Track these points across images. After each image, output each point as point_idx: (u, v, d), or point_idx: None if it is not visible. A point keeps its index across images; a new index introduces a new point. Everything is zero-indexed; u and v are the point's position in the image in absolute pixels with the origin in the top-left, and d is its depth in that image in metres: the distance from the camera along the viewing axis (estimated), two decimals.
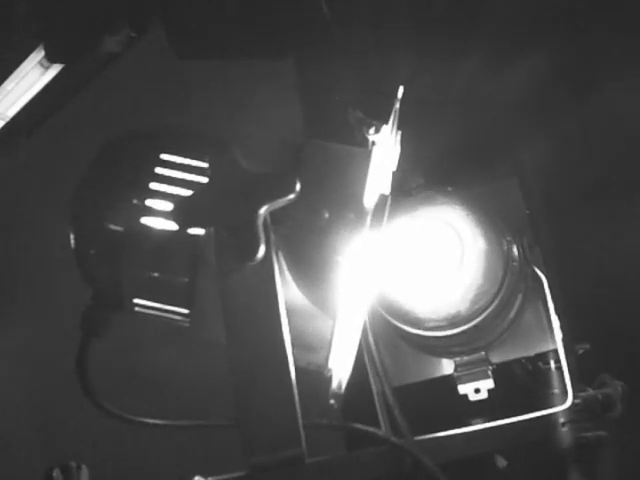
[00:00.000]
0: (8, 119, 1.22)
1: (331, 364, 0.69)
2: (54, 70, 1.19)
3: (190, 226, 0.67)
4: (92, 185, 0.73)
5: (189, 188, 0.69)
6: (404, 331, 0.85)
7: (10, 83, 1.20)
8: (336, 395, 0.68)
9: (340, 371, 0.68)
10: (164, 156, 0.70)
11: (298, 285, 0.72)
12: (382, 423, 0.85)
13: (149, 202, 0.70)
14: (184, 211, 0.67)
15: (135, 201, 0.70)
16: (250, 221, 0.66)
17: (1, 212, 1.22)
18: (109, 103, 1.29)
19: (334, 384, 0.68)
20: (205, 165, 0.70)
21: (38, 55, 1.18)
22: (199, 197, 0.67)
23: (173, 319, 0.72)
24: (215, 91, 1.22)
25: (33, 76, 1.20)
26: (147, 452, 0.92)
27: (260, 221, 0.66)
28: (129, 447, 0.93)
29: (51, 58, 1.19)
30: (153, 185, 0.70)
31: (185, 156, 0.71)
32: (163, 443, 0.85)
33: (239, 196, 0.67)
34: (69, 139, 1.26)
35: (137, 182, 0.70)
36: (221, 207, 0.66)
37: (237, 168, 0.69)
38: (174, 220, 0.67)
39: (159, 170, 0.70)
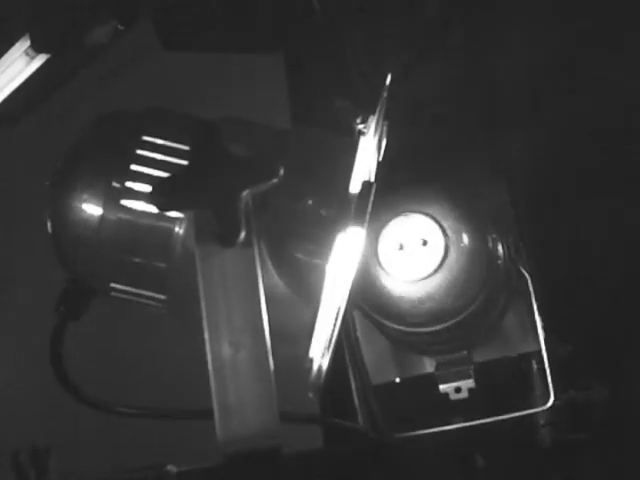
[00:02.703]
0: None
1: (311, 355, 0.67)
2: (40, 60, 1.18)
3: (169, 209, 0.66)
4: (70, 167, 0.71)
5: (170, 171, 0.68)
6: (386, 327, 0.84)
7: None
8: (315, 387, 0.67)
9: (319, 363, 0.67)
10: (146, 138, 0.69)
11: (279, 274, 0.71)
12: (360, 418, 0.84)
13: (129, 184, 0.69)
14: (163, 193, 0.65)
15: (114, 183, 0.69)
16: (231, 205, 0.64)
17: None
18: (96, 93, 1.28)
19: (313, 376, 0.67)
20: (187, 148, 0.69)
21: (24, 44, 1.17)
22: (179, 179, 0.66)
23: (150, 304, 0.71)
24: (202, 81, 1.21)
25: (18, 65, 1.19)
26: (124, 439, 0.90)
27: (241, 205, 0.65)
28: (105, 432, 0.91)
29: (37, 48, 1.17)
30: (134, 167, 0.69)
31: (167, 138, 0.70)
32: (138, 430, 0.83)
33: (221, 179, 0.66)
34: (55, 128, 1.25)
35: (117, 164, 0.69)
36: (201, 190, 0.65)
37: (220, 151, 0.67)
38: (153, 203, 0.65)
39: (140, 152, 0.69)
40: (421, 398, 0.87)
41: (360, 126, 0.75)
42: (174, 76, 1.27)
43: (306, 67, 1.11)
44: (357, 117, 0.75)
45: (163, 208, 0.65)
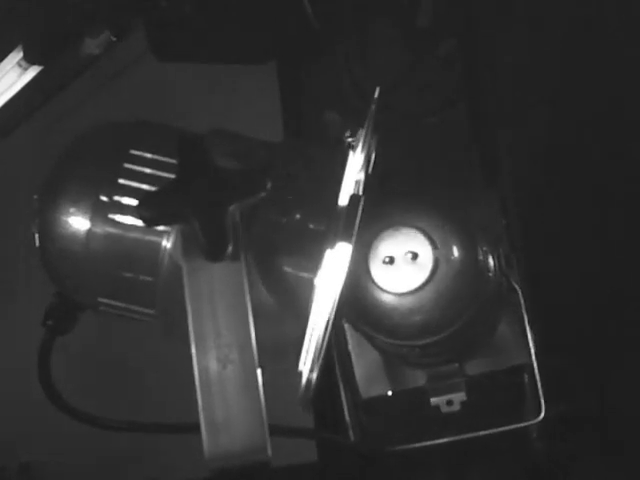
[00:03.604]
0: None
1: (300, 369, 0.67)
2: (33, 71, 1.18)
3: (155, 223, 0.66)
4: (57, 180, 0.71)
5: (159, 184, 0.68)
6: (376, 339, 0.83)
7: None
8: (305, 401, 0.66)
9: (308, 377, 0.67)
10: (133, 151, 0.69)
11: (267, 288, 0.71)
12: (351, 432, 0.84)
13: (117, 198, 0.68)
14: (149, 207, 0.65)
15: (102, 197, 0.68)
16: (218, 219, 0.64)
17: None
18: (88, 104, 1.28)
19: (302, 390, 0.66)
20: (175, 161, 0.68)
21: (16, 56, 1.17)
22: (165, 193, 0.65)
23: (138, 319, 0.70)
24: (194, 93, 1.21)
25: (11, 77, 1.19)
26: (111, 453, 0.90)
27: (229, 219, 0.65)
28: (93, 446, 0.90)
29: (29, 59, 1.17)
30: (121, 181, 0.68)
31: (155, 152, 0.70)
32: (126, 444, 0.83)
33: (207, 193, 0.65)
34: (47, 139, 1.25)
35: (105, 177, 0.68)
36: (188, 204, 0.65)
37: (207, 164, 0.67)
38: (139, 216, 0.65)
39: (128, 165, 0.69)
40: (412, 411, 0.87)
41: (349, 139, 0.74)
42: (166, 87, 1.27)
43: (299, 79, 1.11)
44: (346, 130, 0.74)
45: (149, 222, 0.65)
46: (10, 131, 1.28)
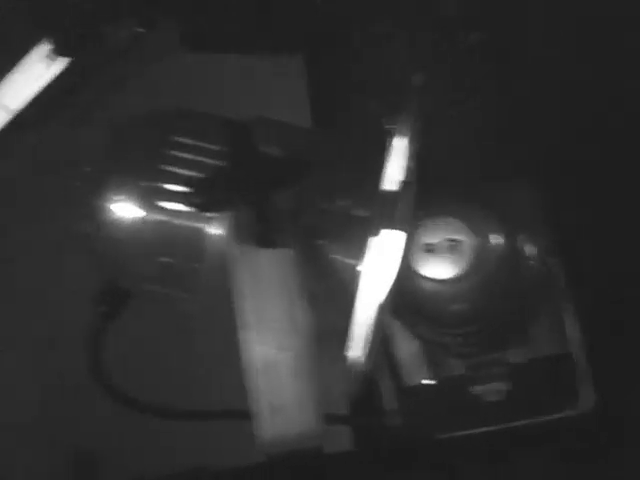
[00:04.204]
0: (13, 112, 1.21)
1: (348, 357, 0.67)
2: (60, 64, 1.18)
3: (207, 210, 0.66)
4: (103, 168, 0.71)
5: (204, 171, 0.68)
6: (418, 328, 0.83)
7: (15, 75, 1.19)
8: (353, 389, 0.66)
9: (357, 363, 0.66)
10: (179, 138, 0.69)
11: (313, 274, 0.71)
12: (391, 419, 0.83)
13: (161, 185, 0.68)
14: (201, 194, 0.65)
15: (147, 184, 0.68)
16: (268, 205, 0.64)
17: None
18: (117, 95, 1.27)
19: (351, 376, 0.66)
20: (220, 148, 0.68)
21: (44, 48, 1.17)
22: (216, 180, 0.65)
23: (182, 305, 0.70)
24: (222, 81, 1.21)
25: (38, 69, 1.19)
26: (158, 441, 0.89)
27: (277, 205, 0.65)
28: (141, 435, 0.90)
29: (57, 51, 1.17)
30: (166, 167, 0.68)
31: (199, 139, 0.69)
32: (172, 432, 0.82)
33: (256, 180, 0.65)
34: (77, 132, 1.25)
35: (150, 164, 0.68)
36: (239, 190, 0.65)
37: (254, 151, 0.67)
38: (190, 203, 0.65)
39: (172, 152, 0.68)
40: (454, 400, 0.87)
41: (391, 126, 0.74)
42: (195, 77, 1.27)
43: (330, 67, 1.11)
44: (389, 117, 0.74)
45: (201, 208, 0.65)
46: (40, 124, 1.28)
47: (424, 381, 0.87)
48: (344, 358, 0.67)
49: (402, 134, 0.72)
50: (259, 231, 0.64)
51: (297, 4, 1.14)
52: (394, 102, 0.75)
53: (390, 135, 0.73)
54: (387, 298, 0.67)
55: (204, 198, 0.65)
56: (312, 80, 1.14)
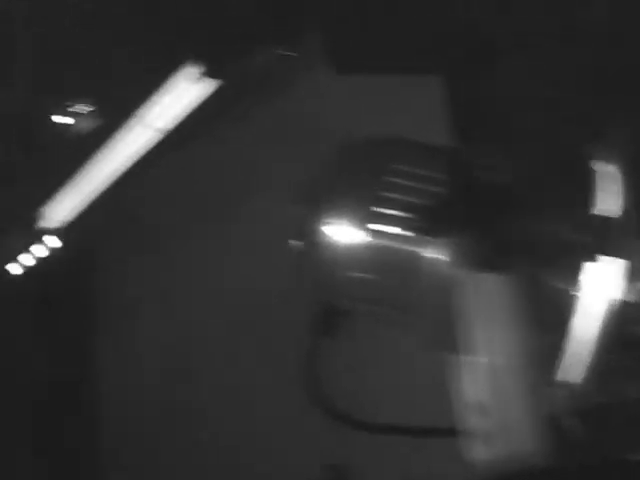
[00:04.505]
0: (160, 131, 1.25)
1: (563, 379, 0.68)
2: (208, 85, 1.21)
3: (433, 235, 0.68)
4: (320, 195, 0.73)
5: (420, 197, 0.70)
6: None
7: (162, 96, 1.23)
8: (570, 413, 0.67)
9: (575, 389, 0.68)
10: (393, 165, 0.71)
11: (522, 297, 0.72)
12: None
13: (380, 210, 0.70)
14: (427, 219, 0.67)
15: (365, 209, 0.70)
16: (496, 231, 0.66)
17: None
18: (262, 117, 1.30)
19: (567, 402, 0.68)
20: (433, 174, 0.71)
21: (192, 69, 1.20)
22: (441, 207, 0.68)
23: (395, 325, 0.72)
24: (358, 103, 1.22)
25: (185, 90, 1.23)
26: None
27: (501, 232, 0.66)
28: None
29: (208, 73, 1.21)
30: (384, 193, 0.70)
31: (411, 166, 0.72)
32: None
33: (479, 207, 0.67)
34: (226, 150, 1.28)
35: (370, 191, 0.71)
36: (465, 217, 0.67)
37: (472, 178, 0.69)
38: (417, 229, 0.67)
39: (389, 179, 0.71)
40: (631, 422, 0.86)
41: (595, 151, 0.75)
42: (336, 97, 1.29)
43: (469, 87, 1.12)
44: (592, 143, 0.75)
45: (427, 233, 0.67)
46: (187, 143, 1.31)
47: (604, 400, 0.87)
48: (560, 382, 0.68)
49: (609, 160, 0.73)
50: (485, 256, 0.66)
51: (436, 22, 1.15)
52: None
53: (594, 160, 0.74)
54: (606, 325, 0.68)
55: (429, 224, 0.67)
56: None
